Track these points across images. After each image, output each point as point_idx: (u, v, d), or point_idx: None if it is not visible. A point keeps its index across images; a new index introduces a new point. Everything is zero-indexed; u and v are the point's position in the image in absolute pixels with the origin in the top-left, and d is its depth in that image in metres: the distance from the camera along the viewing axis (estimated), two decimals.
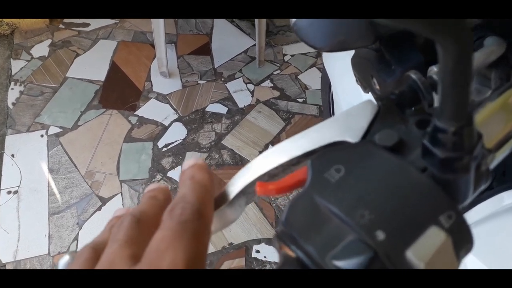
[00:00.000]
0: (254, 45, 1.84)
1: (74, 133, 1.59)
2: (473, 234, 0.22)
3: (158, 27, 1.58)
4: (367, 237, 0.20)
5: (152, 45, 1.83)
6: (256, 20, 1.69)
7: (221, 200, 0.27)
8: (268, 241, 1.33)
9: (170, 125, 1.62)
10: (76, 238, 1.34)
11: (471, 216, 0.49)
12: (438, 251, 0.20)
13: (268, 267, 1.29)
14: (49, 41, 1.89)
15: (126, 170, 1.49)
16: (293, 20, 0.39)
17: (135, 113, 1.65)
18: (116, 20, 1.99)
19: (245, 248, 1.32)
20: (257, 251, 1.32)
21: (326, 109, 1.25)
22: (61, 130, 1.59)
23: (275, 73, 1.81)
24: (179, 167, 1.51)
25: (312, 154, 0.26)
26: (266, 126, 1.63)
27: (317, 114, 1.67)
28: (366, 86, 0.48)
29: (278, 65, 1.84)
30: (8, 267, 1.28)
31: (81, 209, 1.40)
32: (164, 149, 1.56)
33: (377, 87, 0.45)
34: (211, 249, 1.31)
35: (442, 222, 0.21)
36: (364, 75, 0.48)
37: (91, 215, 1.39)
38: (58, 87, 1.72)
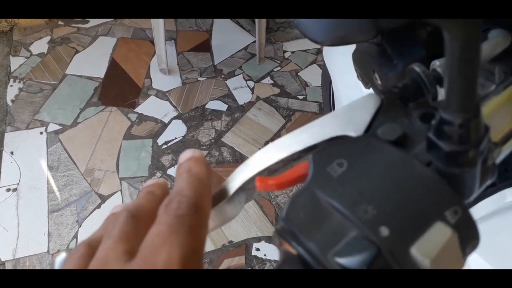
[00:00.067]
0: (254, 41, 1.83)
1: (74, 130, 1.58)
2: (479, 230, 0.21)
3: (158, 24, 1.57)
4: (370, 233, 0.19)
5: (152, 42, 1.82)
6: None
7: (220, 196, 0.26)
8: (268, 239, 1.33)
9: (169, 122, 1.62)
10: (75, 236, 1.33)
11: (473, 214, 0.48)
12: (444, 248, 0.19)
13: (268, 265, 1.29)
14: (48, 38, 1.88)
15: (125, 168, 1.49)
16: None
17: (134, 110, 1.65)
18: None
19: (245, 246, 1.32)
20: (257, 249, 1.31)
21: (326, 106, 1.25)
22: (61, 127, 1.59)
23: (275, 70, 1.80)
24: None
25: (313, 149, 0.25)
26: (266, 123, 1.62)
27: (317, 111, 1.67)
28: (367, 81, 0.48)
29: (278, 62, 1.84)
30: (7, 265, 1.27)
31: (80, 206, 1.39)
32: (164, 146, 1.55)
33: (379, 82, 0.44)
34: (210, 247, 1.31)
35: (447, 217, 0.20)
36: (365, 70, 0.47)
37: (91, 212, 1.38)
38: (57, 84, 1.71)
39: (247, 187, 0.26)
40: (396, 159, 0.22)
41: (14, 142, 1.54)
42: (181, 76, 1.77)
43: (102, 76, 1.74)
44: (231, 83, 1.75)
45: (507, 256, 0.45)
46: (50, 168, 1.48)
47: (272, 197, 1.42)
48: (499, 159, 0.26)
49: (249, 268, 1.27)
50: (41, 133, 1.57)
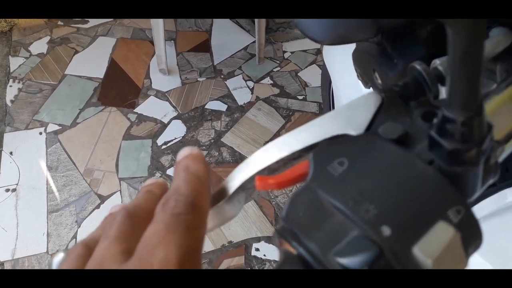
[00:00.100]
0: (254, 42, 1.83)
1: (73, 131, 1.58)
2: (482, 230, 0.21)
3: (157, 24, 1.57)
4: (372, 233, 0.19)
5: (151, 42, 1.82)
6: None
7: (220, 195, 0.26)
8: (268, 239, 1.32)
9: (169, 122, 1.62)
10: (74, 236, 1.33)
11: None
12: (447, 248, 0.19)
13: (267, 265, 1.29)
14: (47, 38, 1.88)
15: (125, 168, 1.48)
16: None
17: (134, 110, 1.64)
18: None
19: (244, 246, 1.31)
20: (257, 249, 1.31)
21: (326, 106, 1.24)
22: (60, 127, 1.58)
23: (275, 70, 1.80)
24: None
25: (314, 148, 0.25)
26: (266, 123, 1.62)
27: (317, 112, 1.67)
28: (367, 81, 0.47)
29: (278, 62, 1.83)
30: (6, 265, 1.27)
31: (79, 207, 1.39)
32: (163, 146, 1.55)
33: (379, 81, 0.44)
34: (210, 247, 1.30)
35: (450, 217, 0.20)
36: (365, 69, 0.47)
37: (90, 213, 1.38)
38: (56, 84, 1.71)
39: (246, 187, 0.26)
40: (397, 158, 0.22)
41: (14, 142, 1.53)
42: (180, 77, 1.76)
43: (101, 76, 1.74)
44: (231, 83, 1.75)
45: (508, 256, 0.44)
46: (50, 168, 1.47)
47: (272, 197, 1.41)
48: (501, 157, 0.25)
49: (249, 268, 1.27)
50: (41, 133, 1.57)
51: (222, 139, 1.57)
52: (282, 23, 1.99)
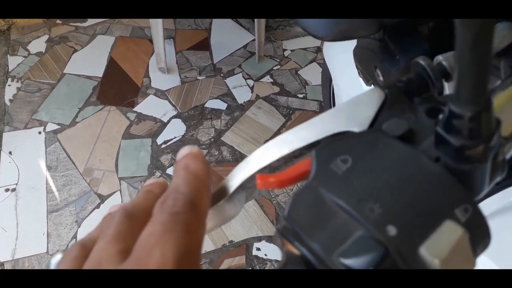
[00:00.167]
0: (254, 40, 1.82)
1: (72, 130, 1.57)
2: (490, 229, 0.20)
3: (157, 22, 1.57)
4: (377, 233, 0.18)
5: (151, 41, 1.81)
6: None
7: (220, 195, 0.25)
8: (269, 239, 1.32)
9: (169, 121, 1.61)
10: (74, 236, 1.32)
11: None
12: (454, 248, 0.18)
13: (269, 265, 1.28)
14: (46, 37, 1.87)
15: (124, 167, 1.48)
16: None
17: (133, 109, 1.64)
18: None
19: (245, 246, 1.31)
20: (258, 249, 1.30)
21: (327, 105, 1.24)
22: (59, 127, 1.58)
23: (275, 68, 1.79)
24: None
25: (316, 145, 0.24)
26: (266, 122, 1.61)
27: (317, 110, 1.66)
28: (369, 78, 0.47)
29: (278, 60, 1.83)
30: (7, 265, 1.26)
31: (79, 206, 1.38)
32: (163, 145, 1.54)
33: (381, 78, 0.44)
34: (210, 247, 1.30)
35: (458, 215, 0.19)
36: (367, 66, 0.46)
37: (90, 212, 1.37)
38: (55, 83, 1.71)
39: (247, 185, 0.25)
40: (403, 155, 0.21)
41: (13, 142, 1.53)
42: (180, 75, 1.76)
43: (100, 75, 1.74)
44: (231, 81, 1.74)
45: None
46: (49, 168, 1.47)
47: (273, 196, 1.41)
48: (509, 154, 0.25)
49: (250, 268, 1.27)
50: (40, 132, 1.56)
51: (222, 138, 1.56)
52: (282, 21, 1.99)
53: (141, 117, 1.62)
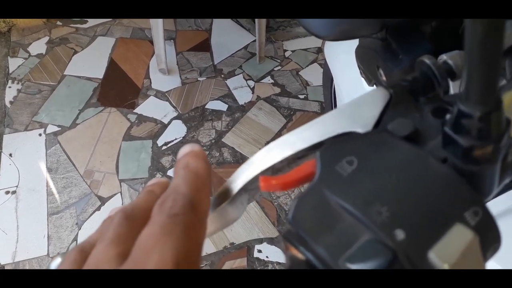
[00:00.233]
0: (254, 41, 1.82)
1: (73, 132, 1.57)
2: (501, 232, 0.19)
3: (157, 23, 1.56)
4: (385, 237, 0.18)
5: (151, 42, 1.81)
6: None
7: (222, 197, 0.25)
8: (270, 241, 1.31)
9: (169, 123, 1.60)
10: (75, 239, 1.32)
11: None
12: (464, 252, 0.18)
13: (270, 267, 1.27)
14: (46, 39, 1.87)
15: (125, 169, 1.47)
16: None
17: (134, 111, 1.63)
18: None
19: (246, 248, 1.30)
20: (259, 251, 1.30)
21: (328, 106, 1.23)
22: (59, 128, 1.57)
23: (275, 69, 1.79)
24: None
25: (319, 146, 0.24)
26: (267, 123, 1.61)
27: (319, 111, 1.65)
28: (371, 78, 0.46)
29: (279, 61, 1.82)
30: (7, 268, 1.26)
31: (80, 209, 1.38)
32: (164, 147, 1.54)
33: (383, 78, 0.43)
34: (212, 249, 1.29)
35: (467, 219, 0.18)
36: (369, 66, 0.46)
37: (90, 215, 1.37)
38: (56, 85, 1.70)
39: (250, 187, 0.25)
40: (410, 156, 0.20)
41: (13, 144, 1.52)
42: (180, 76, 1.75)
43: (101, 76, 1.73)
44: (231, 82, 1.73)
45: None
46: (49, 170, 1.46)
47: (274, 198, 1.40)
48: None
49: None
50: (40, 134, 1.55)
51: (223, 139, 1.56)
52: (283, 22, 1.98)
53: (141, 119, 1.61)
